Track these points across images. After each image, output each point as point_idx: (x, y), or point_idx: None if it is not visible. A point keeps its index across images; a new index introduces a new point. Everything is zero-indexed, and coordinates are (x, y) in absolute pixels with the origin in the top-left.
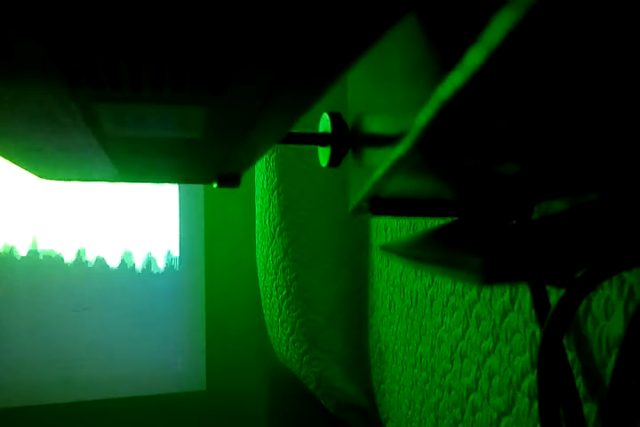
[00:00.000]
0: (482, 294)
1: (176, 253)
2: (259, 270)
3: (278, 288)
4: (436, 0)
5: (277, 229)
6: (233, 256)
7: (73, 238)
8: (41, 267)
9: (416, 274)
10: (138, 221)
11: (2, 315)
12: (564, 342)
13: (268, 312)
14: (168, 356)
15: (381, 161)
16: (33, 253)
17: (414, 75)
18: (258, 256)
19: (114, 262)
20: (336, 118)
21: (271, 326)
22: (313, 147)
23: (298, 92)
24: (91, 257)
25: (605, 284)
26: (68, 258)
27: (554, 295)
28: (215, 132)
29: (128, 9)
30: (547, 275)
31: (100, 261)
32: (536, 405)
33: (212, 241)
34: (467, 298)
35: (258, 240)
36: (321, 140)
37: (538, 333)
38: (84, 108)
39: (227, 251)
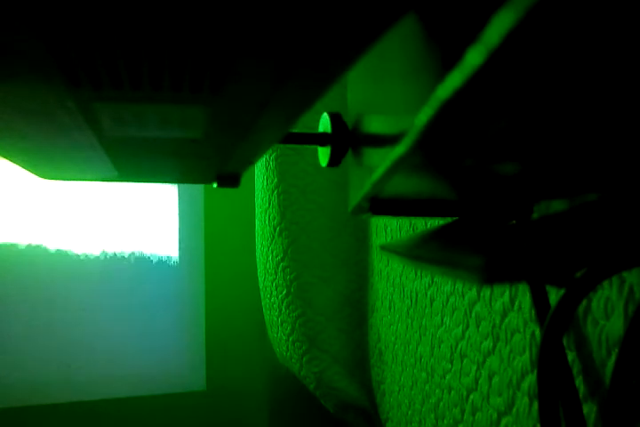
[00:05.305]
0: (482, 294)
1: (176, 252)
2: (259, 270)
3: (278, 288)
4: (436, 0)
5: (277, 229)
6: (233, 256)
7: (72, 238)
8: (40, 267)
9: (416, 274)
10: (137, 220)
11: (1, 315)
12: (564, 342)
13: (268, 312)
14: (168, 356)
15: (381, 161)
16: (32, 252)
17: (414, 75)
18: (258, 256)
19: (113, 263)
20: (336, 118)
21: (271, 326)
22: (313, 147)
23: (298, 91)
24: (90, 257)
25: (605, 284)
26: (67, 258)
27: (554, 295)
28: (215, 131)
29: (128, 8)
30: (547, 275)
31: (100, 262)
32: (536, 405)
33: (212, 241)
34: (467, 298)
35: (258, 240)
36: (321, 140)
37: (538, 333)
38: (84, 107)
39: (227, 251)
